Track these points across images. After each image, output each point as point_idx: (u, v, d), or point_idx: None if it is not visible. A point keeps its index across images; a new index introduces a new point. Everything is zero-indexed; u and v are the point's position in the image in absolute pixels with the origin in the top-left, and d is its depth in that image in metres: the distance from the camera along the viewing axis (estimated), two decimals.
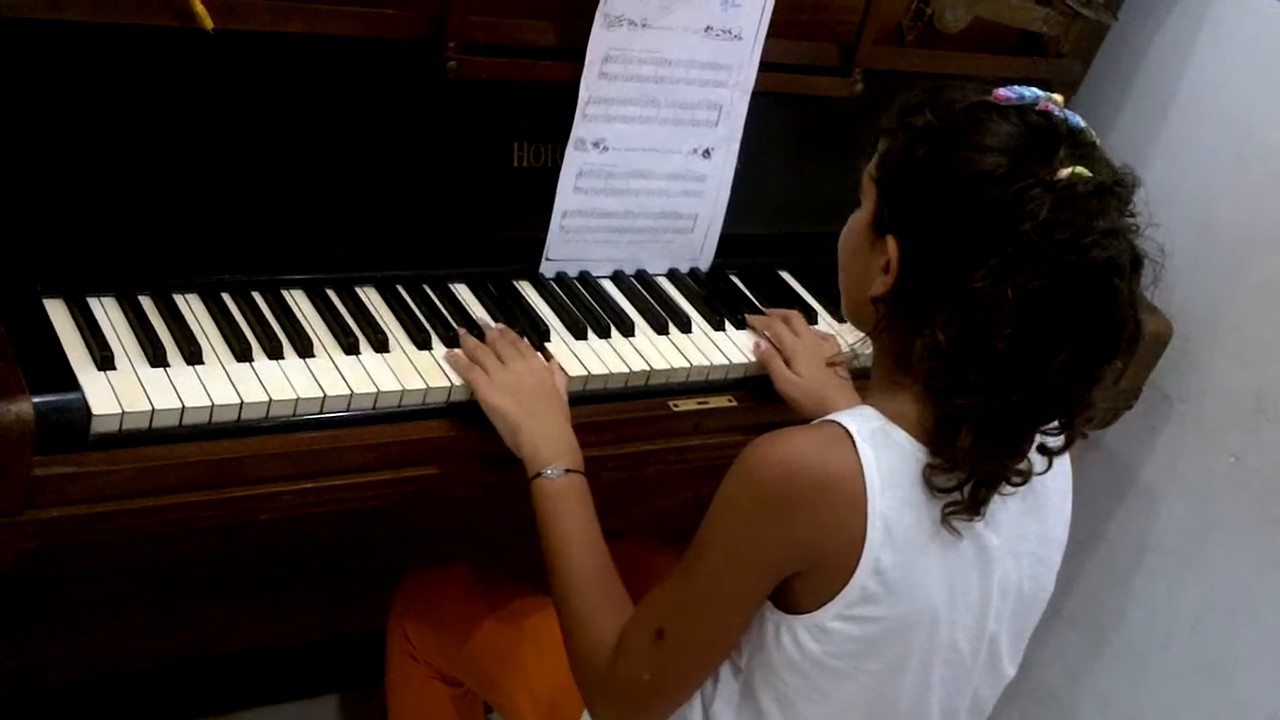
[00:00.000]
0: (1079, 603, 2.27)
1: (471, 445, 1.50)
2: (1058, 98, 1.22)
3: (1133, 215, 1.20)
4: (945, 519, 1.22)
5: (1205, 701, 2.14)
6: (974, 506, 1.22)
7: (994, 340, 1.15)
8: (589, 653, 1.33)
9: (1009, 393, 1.17)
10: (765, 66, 1.77)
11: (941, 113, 1.21)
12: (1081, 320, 1.16)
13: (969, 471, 1.20)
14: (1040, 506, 1.33)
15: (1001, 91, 1.21)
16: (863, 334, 1.30)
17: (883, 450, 1.22)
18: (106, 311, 1.43)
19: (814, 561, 1.23)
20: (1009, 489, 1.25)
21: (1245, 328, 2.05)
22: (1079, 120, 1.21)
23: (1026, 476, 1.24)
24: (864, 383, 1.38)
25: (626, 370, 1.62)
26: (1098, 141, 1.21)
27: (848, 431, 1.22)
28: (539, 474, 1.41)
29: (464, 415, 1.50)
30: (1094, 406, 1.23)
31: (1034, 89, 1.21)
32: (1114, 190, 1.18)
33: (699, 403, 1.66)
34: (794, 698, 1.30)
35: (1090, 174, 1.16)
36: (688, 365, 1.67)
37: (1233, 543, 2.09)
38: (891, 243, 1.23)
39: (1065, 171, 1.16)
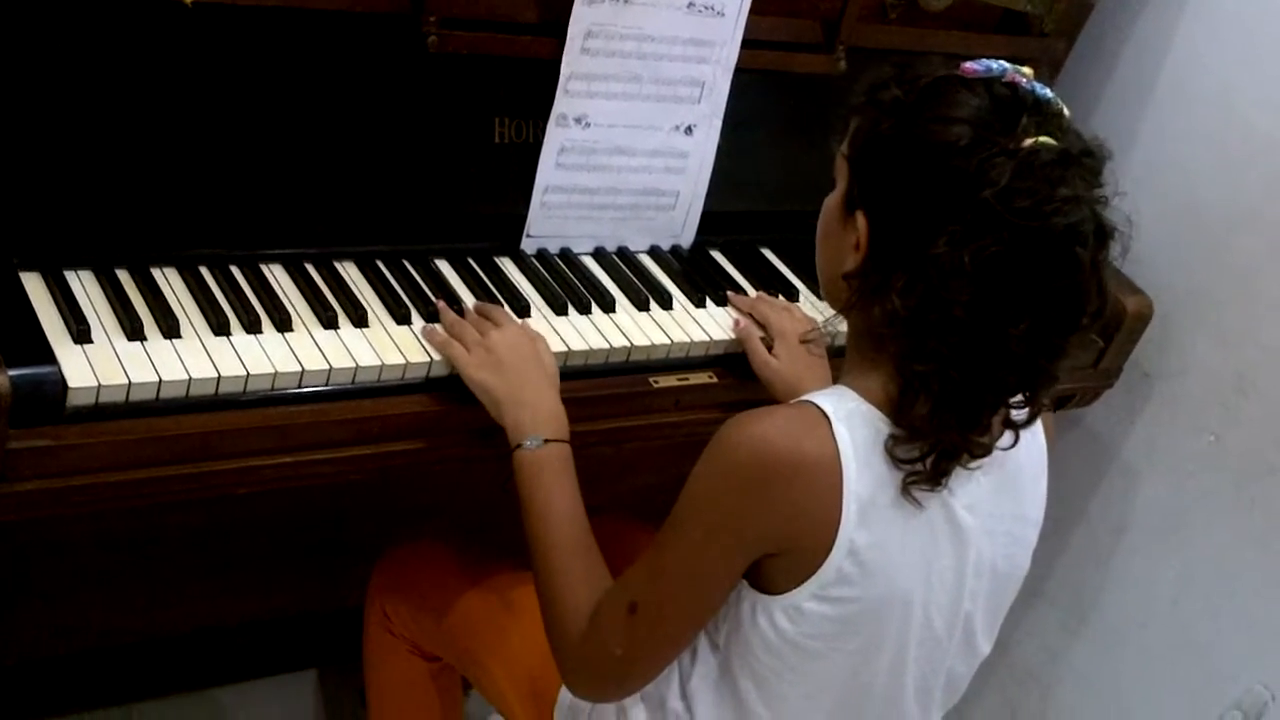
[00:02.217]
0: (1058, 581, 2.27)
1: (451, 420, 1.50)
2: (1027, 70, 1.22)
3: (1101, 186, 1.20)
4: (906, 488, 1.22)
5: (1183, 679, 2.15)
6: (935, 477, 1.22)
7: (952, 307, 1.15)
8: (563, 623, 1.33)
9: (969, 361, 1.17)
10: (748, 43, 1.76)
11: (908, 87, 1.22)
12: (1042, 289, 1.16)
13: (930, 443, 1.20)
14: (1013, 485, 1.34)
15: (968, 65, 1.22)
16: (836, 312, 1.31)
17: (859, 431, 1.22)
18: (83, 285, 1.43)
19: (789, 542, 1.23)
20: (975, 464, 1.25)
21: (1226, 307, 2.05)
22: (1047, 91, 1.21)
23: (988, 450, 1.24)
24: (839, 362, 1.38)
25: (607, 347, 1.62)
26: (1066, 112, 1.21)
27: (824, 412, 1.22)
28: (519, 445, 1.42)
29: (444, 389, 1.50)
30: (1058, 380, 1.24)
31: (1002, 62, 1.22)
32: (1080, 160, 1.18)
33: (679, 379, 1.66)
34: (770, 677, 1.30)
35: (1055, 142, 1.16)
36: (668, 342, 1.67)
37: (1211, 522, 2.09)
38: (861, 218, 1.24)
39: (1029, 140, 1.16)
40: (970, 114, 1.17)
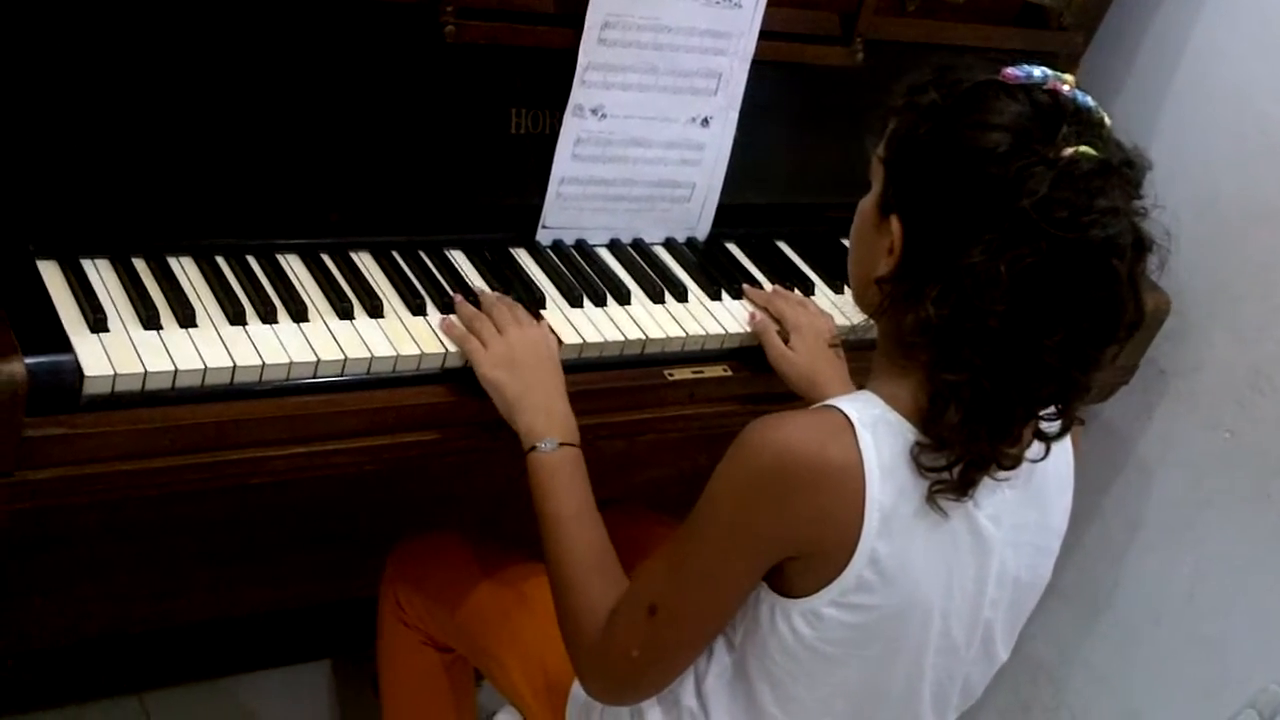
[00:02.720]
0: (1072, 577, 2.27)
1: (466, 411, 1.50)
2: (1069, 78, 1.20)
3: (1140, 198, 1.18)
4: (931, 497, 1.21)
5: (1197, 676, 2.14)
6: (962, 487, 1.20)
7: (987, 317, 1.14)
8: (581, 626, 1.33)
9: (1002, 372, 1.16)
10: (765, 35, 1.75)
11: (948, 90, 1.20)
12: (1078, 301, 1.15)
13: (959, 452, 1.19)
14: (1039, 495, 1.33)
15: (1010, 70, 1.20)
16: (867, 317, 1.30)
17: (884, 439, 1.21)
18: (100, 273, 1.43)
19: (809, 548, 1.22)
20: (1003, 474, 1.24)
21: (1243, 303, 2.04)
22: (1088, 100, 1.19)
23: (1017, 461, 1.23)
24: (866, 354, 1.36)
25: (622, 339, 1.62)
26: (1108, 122, 1.19)
27: (848, 418, 1.21)
28: (534, 448, 1.41)
29: (458, 381, 1.50)
30: (1091, 391, 1.22)
31: (1044, 69, 1.20)
32: (1120, 171, 1.16)
33: (694, 372, 1.66)
34: (785, 680, 1.30)
35: (1095, 153, 1.15)
36: (683, 334, 1.66)
37: (1226, 518, 2.09)
38: (895, 223, 1.22)
39: (1069, 150, 1.14)
40: (1010, 121, 1.16)
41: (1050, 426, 1.25)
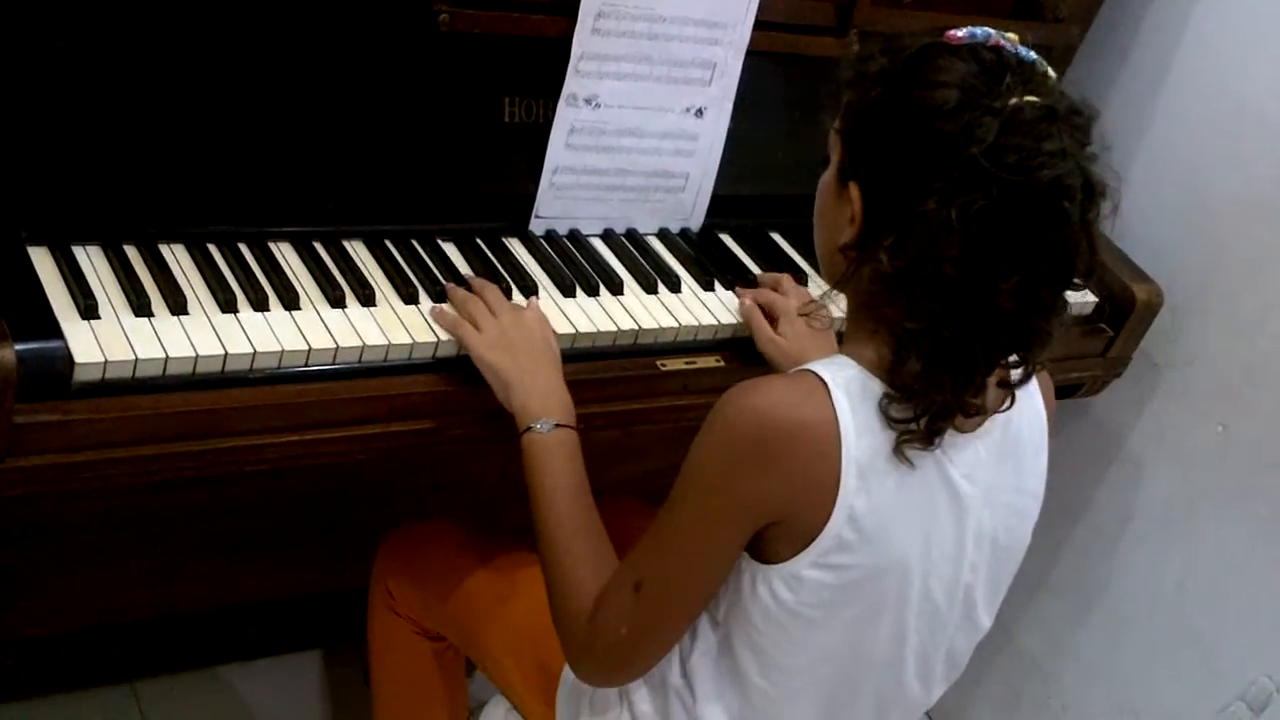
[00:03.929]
0: (1063, 570, 2.27)
1: (457, 400, 1.50)
2: (1011, 35, 1.23)
3: (1089, 144, 1.20)
4: (899, 447, 1.22)
5: (1187, 669, 2.15)
6: (928, 437, 1.22)
7: (941, 263, 1.16)
8: (570, 608, 1.33)
9: (960, 318, 1.18)
10: (760, 25, 1.75)
11: (895, 55, 1.23)
12: (1031, 244, 1.17)
13: (924, 402, 1.21)
14: (1013, 455, 1.34)
15: (953, 32, 1.22)
16: (832, 287, 1.32)
17: (857, 397, 1.22)
18: (91, 260, 1.42)
19: (789, 510, 1.23)
20: (970, 426, 1.26)
21: (1236, 297, 2.04)
22: (1030, 53, 1.21)
23: (981, 409, 1.25)
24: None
25: (615, 329, 1.62)
26: (1052, 74, 1.22)
27: (822, 380, 1.23)
28: (529, 428, 1.41)
29: (450, 370, 1.50)
30: (1052, 337, 1.24)
31: (986, 28, 1.22)
32: (1067, 117, 1.18)
33: (687, 362, 1.66)
34: (769, 648, 1.31)
35: (1039, 100, 1.17)
36: (676, 325, 1.66)
37: (1218, 512, 2.09)
38: (854, 190, 1.24)
39: (1014, 99, 1.16)
40: (957, 78, 1.18)
41: (1013, 374, 1.27)
